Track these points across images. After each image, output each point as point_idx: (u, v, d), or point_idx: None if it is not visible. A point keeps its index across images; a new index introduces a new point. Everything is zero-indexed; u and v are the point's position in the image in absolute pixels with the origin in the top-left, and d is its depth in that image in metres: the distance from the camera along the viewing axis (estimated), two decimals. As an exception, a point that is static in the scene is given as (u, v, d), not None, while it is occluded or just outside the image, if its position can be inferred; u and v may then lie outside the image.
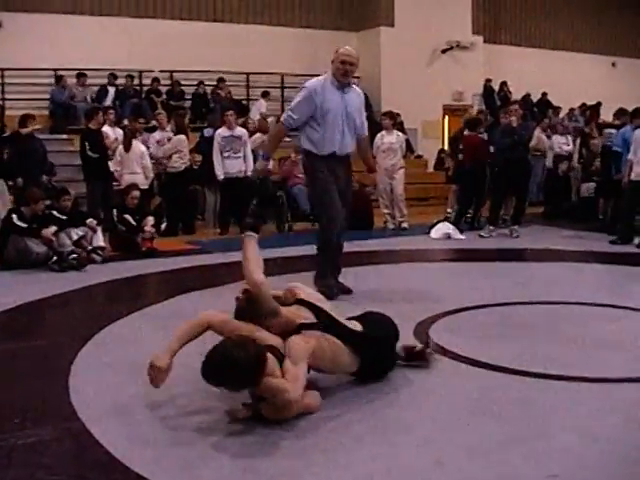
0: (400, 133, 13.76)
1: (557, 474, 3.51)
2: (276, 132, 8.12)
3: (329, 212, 7.37)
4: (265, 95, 19.05)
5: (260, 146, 13.14)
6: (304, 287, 4.82)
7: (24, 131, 12.13)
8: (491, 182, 13.13)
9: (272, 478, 3.51)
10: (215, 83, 18.97)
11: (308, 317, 4.46)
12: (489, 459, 3.69)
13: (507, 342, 5.82)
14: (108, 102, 17.37)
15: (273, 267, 9.39)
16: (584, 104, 21.88)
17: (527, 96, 22.36)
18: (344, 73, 7.25)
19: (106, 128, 12.89)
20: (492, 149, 13.02)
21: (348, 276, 7.87)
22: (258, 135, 13.73)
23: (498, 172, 12.54)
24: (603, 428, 4.09)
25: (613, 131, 12.92)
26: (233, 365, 3.87)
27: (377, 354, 4.69)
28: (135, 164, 12.15)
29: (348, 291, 7.56)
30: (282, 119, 7.61)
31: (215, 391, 4.28)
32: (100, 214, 11.31)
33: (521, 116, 12.73)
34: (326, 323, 4.49)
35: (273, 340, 4.26)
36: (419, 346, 5.21)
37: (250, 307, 4.38)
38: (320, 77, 7.46)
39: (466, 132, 13.77)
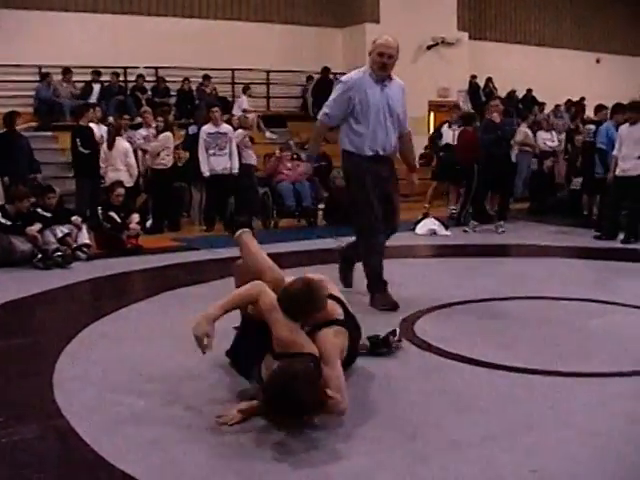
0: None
1: (537, 469, 3.52)
2: (317, 131, 7.22)
3: (370, 223, 6.81)
4: (246, 90, 18.97)
5: (242, 142, 13.19)
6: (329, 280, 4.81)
7: (20, 128, 12.11)
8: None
9: (260, 475, 3.51)
10: (200, 80, 18.92)
11: (340, 313, 4.51)
12: (473, 454, 3.70)
13: (492, 337, 5.83)
14: (93, 99, 17.31)
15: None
16: (569, 100, 21.94)
17: (512, 92, 22.41)
18: (382, 66, 6.66)
19: (92, 125, 12.84)
20: None
21: (330, 273, 7.86)
22: (240, 131, 13.72)
23: (481, 168, 12.55)
24: (588, 423, 4.11)
25: (592, 127, 12.96)
26: (302, 404, 3.79)
27: (354, 346, 4.71)
28: (119, 161, 12.10)
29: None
30: (319, 117, 6.96)
31: (201, 390, 4.28)
32: (87, 212, 11.27)
33: (502, 112, 12.74)
34: (353, 320, 4.62)
35: (311, 348, 4.17)
36: (385, 335, 5.31)
37: (309, 297, 4.24)
38: (358, 70, 6.88)
39: (460, 127, 13.78)
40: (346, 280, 7.37)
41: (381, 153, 6.73)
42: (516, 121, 16.41)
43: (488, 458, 3.65)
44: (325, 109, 6.80)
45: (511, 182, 12.71)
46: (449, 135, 13.90)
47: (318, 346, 4.18)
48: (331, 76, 20.57)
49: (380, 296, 6.80)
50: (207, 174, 12.55)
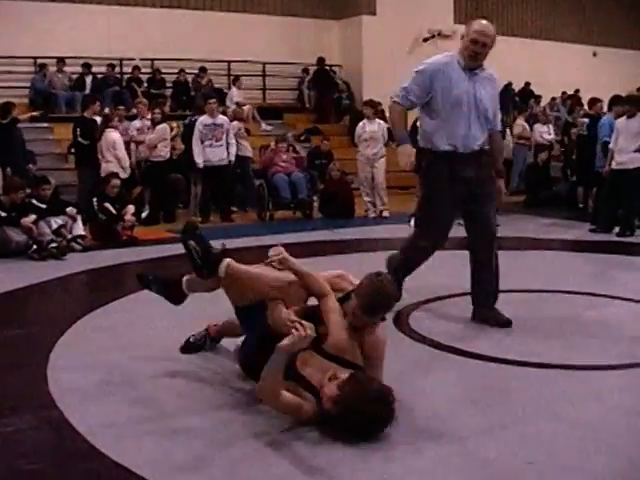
0: (382, 122, 13.74)
1: (532, 461, 3.53)
2: (395, 117, 6.11)
3: (430, 228, 6.32)
4: (235, 82, 18.92)
5: (238, 134, 13.19)
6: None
7: (23, 118, 12.12)
8: None
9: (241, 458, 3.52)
10: (196, 71, 18.88)
11: None
12: (467, 446, 3.71)
13: (486, 330, 5.84)
14: (86, 91, 17.27)
15: (256, 255, 9.51)
16: (565, 93, 21.94)
17: (508, 85, 22.38)
18: (473, 55, 5.83)
19: (96, 118, 12.85)
20: None
21: (326, 264, 7.85)
22: (235, 123, 13.72)
23: None
24: (582, 415, 4.13)
25: (586, 120, 12.96)
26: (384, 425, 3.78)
27: None
28: (108, 153, 12.07)
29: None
30: (392, 99, 6.02)
31: (193, 380, 4.28)
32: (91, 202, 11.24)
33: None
34: None
35: (359, 358, 4.18)
36: None
37: (389, 292, 4.21)
38: (445, 53, 6.12)
39: None
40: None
41: (461, 150, 5.86)
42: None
43: (483, 450, 3.67)
44: (403, 91, 5.93)
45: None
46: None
47: (373, 345, 4.18)
48: (327, 68, 20.60)
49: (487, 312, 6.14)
50: (201, 165, 12.54)
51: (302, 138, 15.45)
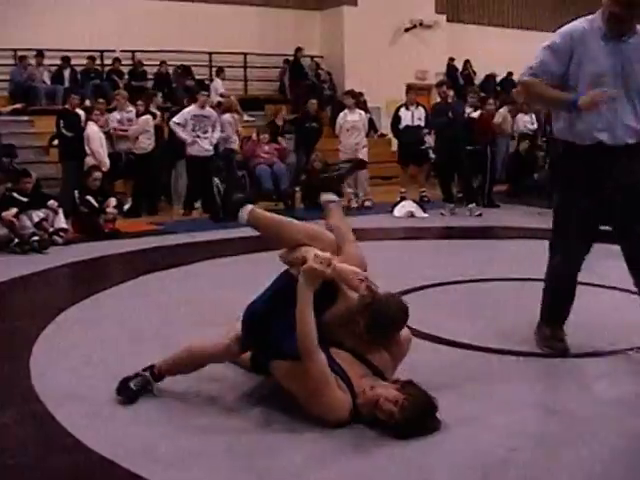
0: (363, 112, 13.76)
1: (516, 448, 3.55)
2: (539, 88, 4.78)
3: (563, 245, 5.16)
4: (219, 74, 18.85)
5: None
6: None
7: (4, 110, 12.02)
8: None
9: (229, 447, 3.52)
10: (178, 63, 18.77)
11: None
12: (453, 435, 3.72)
13: (469, 319, 5.86)
14: (66, 84, 17.17)
15: (240, 246, 9.52)
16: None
17: (491, 76, 22.43)
18: (617, 19, 4.52)
19: (78, 111, 12.79)
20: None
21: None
22: (228, 116, 13.73)
23: (437, 151, 12.67)
24: (562, 402, 4.15)
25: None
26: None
27: None
28: (85, 147, 12.04)
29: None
30: (525, 77, 4.88)
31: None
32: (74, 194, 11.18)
33: (446, 96, 12.79)
34: None
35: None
36: None
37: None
38: (584, 18, 4.79)
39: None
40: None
41: (608, 142, 4.63)
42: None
43: (466, 438, 3.68)
44: (528, 68, 4.85)
45: (464, 164, 12.57)
46: (407, 117, 13.87)
47: (400, 348, 4.13)
48: (308, 59, 20.56)
49: (546, 330, 5.20)
50: (193, 152, 12.43)
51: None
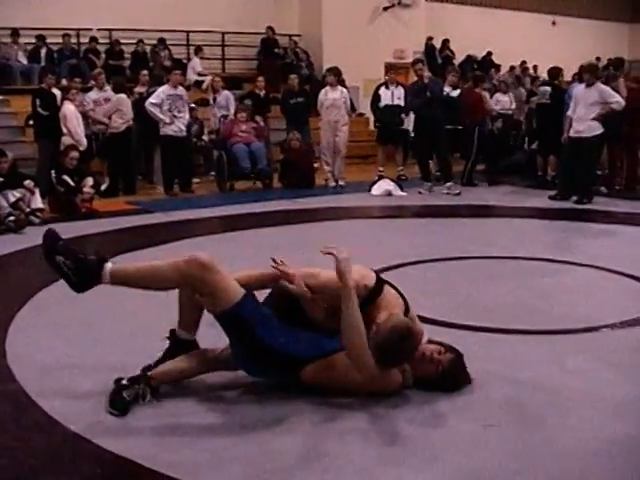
0: (344, 89, 13.70)
1: (492, 424, 3.58)
2: None
3: None
4: (198, 52, 18.76)
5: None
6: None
7: None
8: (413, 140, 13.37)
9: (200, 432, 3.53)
10: (155, 42, 18.65)
11: None
12: (425, 411, 3.76)
13: (447, 296, 5.90)
14: (42, 63, 17.00)
15: (217, 225, 9.52)
16: (524, 62, 22.04)
17: (470, 57, 22.43)
18: None
19: (54, 91, 12.68)
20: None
21: (288, 233, 7.89)
22: (226, 92, 14.28)
23: (415, 130, 12.67)
24: (541, 379, 4.19)
25: (548, 89, 12.99)
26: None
27: None
28: (62, 126, 11.97)
29: None
30: None
31: (157, 349, 4.26)
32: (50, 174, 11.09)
33: (422, 74, 12.81)
34: None
35: None
36: None
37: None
38: None
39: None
40: None
41: None
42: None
43: (441, 414, 3.72)
44: None
45: (444, 142, 12.60)
46: (387, 96, 13.90)
47: None
48: (286, 38, 20.48)
49: None
50: (169, 132, 12.36)
51: (246, 102, 15.26)
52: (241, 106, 13.88)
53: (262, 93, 15.07)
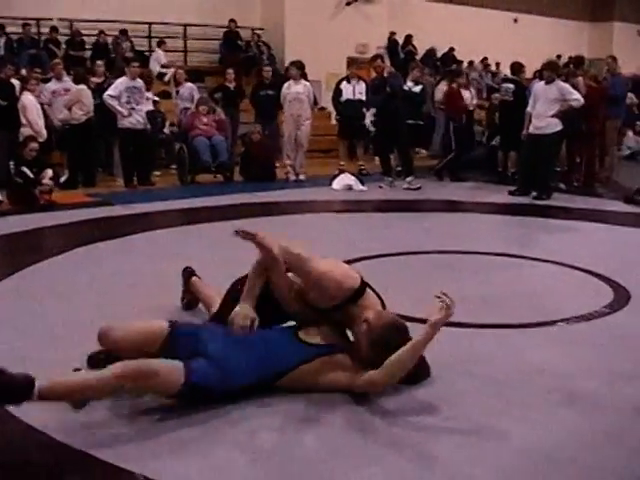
0: (307, 83, 13.68)
1: (448, 417, 3.61)
2: None
3: None
4: (161, 45, 18.66)
5: None
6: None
7: None
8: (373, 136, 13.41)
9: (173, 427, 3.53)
10: (116, 33, 18.51)
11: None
12: (381, 405, 3.79)
13: (406, 290, 5.90)
14: (1, 52, 16.81)
15: (177, 218, 9.48)
16: (485, 59, 22.19)
17: (431, 50, 22.51)
18: None
19: (13, 81, 12.52)
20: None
21: (248, 226, 7.79)
22: (190, 85, 14.33)
23: (375, 125, 12.72)
24: (496, 373, 4.23)
25: (511, 86, 13.07)
26: None
27: None
28: (21, 117, 11.85)
29: None
30: None
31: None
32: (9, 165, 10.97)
33: (382, 70, 12.89)
34: None
35: None
36: None
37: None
38: None
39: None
40: None
41: None
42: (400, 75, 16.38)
43: (396, 409, 3.75)
44: None
45: (403, 137, 12.64)
46: (349, 91, 13.92)
47: None
48: (249, 32, 20.43)
49: None
50: (127, 125, 12.26)
51: (216, 96, 15.18)
52: (202, 99, 13.83)
53: (232, 86, 15.03)
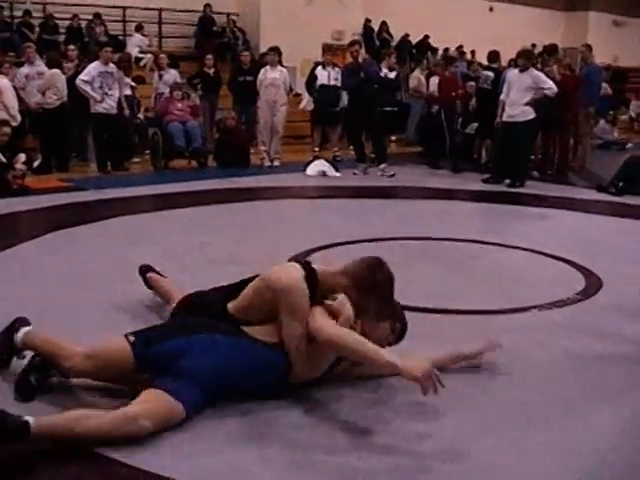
0: (284, 69, 13.64)
1: (422, 401, 3.63)
2: None
3: None
4: (139, 29, 18.57)
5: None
6: None
7: None
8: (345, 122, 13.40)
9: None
10: (90, 17, 18.38)
11: None
12: (356, 387, 3.80)
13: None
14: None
15: (151, 203, 9.45)
16: (461, 46, 22.26)
17: (405, 37, 22.52)
18: None
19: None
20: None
21: (221, 212, 7.82)
22: (174, 72, 14.21)
23: (348, 111, 12.71)
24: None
25: (491, 74, 13.10)
26: None
27: None
28: None
29: None
30: None
31: (89, 331, 4.21)
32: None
33: (357, 55, 12.89)
34: None
35: None
36: None
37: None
38: None
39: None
40: None
41: None
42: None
43: (370, 394, 3.77)
44: None
45: (376, 124, 12.63)
46: (324, 77, 13.91)
47: None
48: (224, 17, 20.37)
49: None
50: (100, 110, 12.18)
51: (195, 82, 15.14)
52: (176, 84, 13.77)
53: (211, 71, 14.99)
